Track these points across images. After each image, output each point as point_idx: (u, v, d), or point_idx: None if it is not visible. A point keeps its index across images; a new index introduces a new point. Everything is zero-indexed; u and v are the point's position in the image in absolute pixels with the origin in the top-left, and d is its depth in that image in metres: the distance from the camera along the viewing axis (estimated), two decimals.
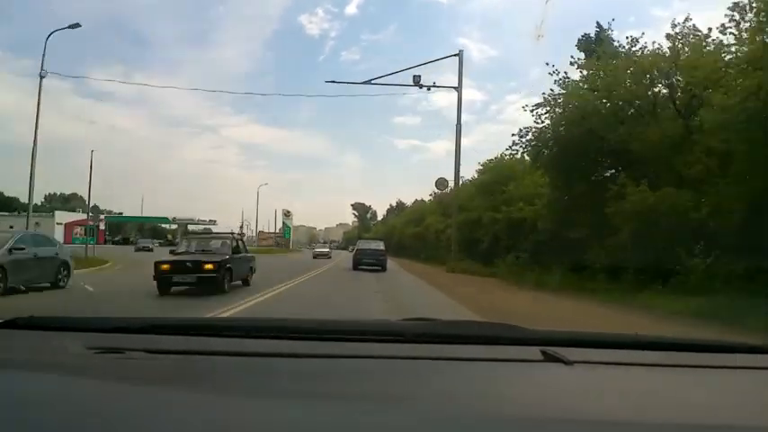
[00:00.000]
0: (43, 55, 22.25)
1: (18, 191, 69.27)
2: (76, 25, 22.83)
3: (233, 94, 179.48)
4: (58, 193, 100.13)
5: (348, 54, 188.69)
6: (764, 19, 11.67)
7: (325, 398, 0.98)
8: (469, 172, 38.81)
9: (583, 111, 16.46)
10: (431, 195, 52.70)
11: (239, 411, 0.87)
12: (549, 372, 1.24)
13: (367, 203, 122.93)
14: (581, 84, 17.44)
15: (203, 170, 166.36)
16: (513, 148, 19.17)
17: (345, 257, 48.05)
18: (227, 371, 1.20)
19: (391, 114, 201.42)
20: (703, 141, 13.24)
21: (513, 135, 19.03)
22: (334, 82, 28.83)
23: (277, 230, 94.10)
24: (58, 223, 64.28)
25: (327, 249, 51.42)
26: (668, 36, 15.87)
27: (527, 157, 20.25)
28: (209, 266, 11.91)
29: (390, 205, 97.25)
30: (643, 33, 17.57)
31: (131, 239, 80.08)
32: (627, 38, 18.16)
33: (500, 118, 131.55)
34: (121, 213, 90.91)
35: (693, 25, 15.62)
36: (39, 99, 22.65)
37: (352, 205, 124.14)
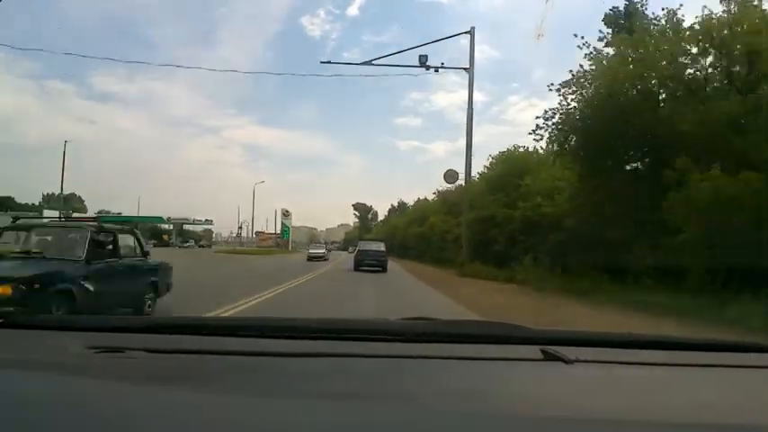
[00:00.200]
0: None
1: (13, 190, 67.60)
2: None
3: (234, 95, 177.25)
4: (56, 193, 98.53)
5: (350, 55, 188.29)
6: None
7: (326, 397, 0.98)
8: (473, 172, 37.22)
9: (618, 88, 14.01)
10: (434, 193, 50.60)
11: (239, 411, 0.87)
12: (550, 371, 1.24)
13: (368, 204, 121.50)
14: (614, 59, 14.92)
15: (205, 171, 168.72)
16: (536, 132, 16.63)
17: (345, 259, 45.46)
18: (227, 370, 1.19)
19: (393, 115, 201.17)
20: None
21: (537, 117, 16.56)
22: (329, 62, 26.51)
23: (277, 231, 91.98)
24: None
25: (323, 251, 43.89)
26: None
27: (551, 146, 17.35)
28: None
29: (392, 205, 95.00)
30: (681, 5, 14.72)
31: None
32: (663, 9, 15.79)
33: (502, 119, 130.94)
34: (120, 213, 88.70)
35: None
36: None
37: (353, 205, 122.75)
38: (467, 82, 25.80)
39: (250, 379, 1.12)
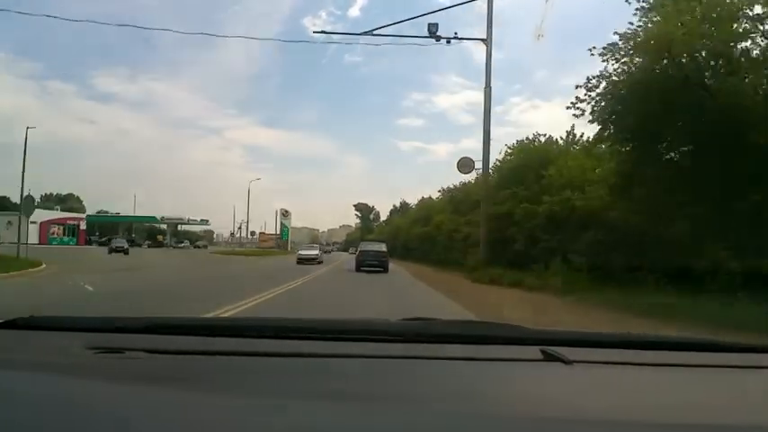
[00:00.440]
0: None
1: (12, 190, 65.57)
2: None
3: (237, 96, 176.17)
4: (54, 193, 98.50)
5: (351, 56, 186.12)
6: None
7: (326, 397, 0.98)
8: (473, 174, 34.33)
9: (681, 47, 11.09)
10: (440, 191, 47.67)
11: (239, 411, 0.87)
12: (549, 371, 1.24)
13: (370, 204, 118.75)
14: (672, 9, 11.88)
15: (206, 172, 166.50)
16: (576, 106, 13.60)
17: (345, 260, 42.65)
18: (227, 370, 1.19)
19: (395, 116, 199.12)
20: None
21: (577, 87, 13.55)
22: (324, 32, 23.92)
23: (278, 232, 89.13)
24: (31, 222, 58.66)
25: (316, 252, 36.45)
26: None
27: (594, 123, 14.09)
28: None
29: (394, 206, 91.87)
30: None
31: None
32: None
33: (505, 119, 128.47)
34: (118, 213, 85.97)
35: None
36: None
37: (354, 206, 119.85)
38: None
39: (250, 380, 1.12)
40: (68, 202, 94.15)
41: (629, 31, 12.34)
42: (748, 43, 11.31)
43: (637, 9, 12.37)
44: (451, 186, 41.52)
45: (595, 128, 14.23)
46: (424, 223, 45.79)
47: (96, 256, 34.65)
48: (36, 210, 62.98)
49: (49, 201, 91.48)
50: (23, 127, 26.97)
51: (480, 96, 23.11)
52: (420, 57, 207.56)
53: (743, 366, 1.31)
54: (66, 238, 62.62)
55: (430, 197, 54.96)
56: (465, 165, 24.34)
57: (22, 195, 23.81)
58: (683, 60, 11.16)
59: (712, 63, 11.39)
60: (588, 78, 13.06)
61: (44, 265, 20.87)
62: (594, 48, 12.96)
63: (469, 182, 37.58)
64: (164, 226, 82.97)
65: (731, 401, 1.09)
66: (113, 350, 1.22)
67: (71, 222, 65.88)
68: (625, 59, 12.46)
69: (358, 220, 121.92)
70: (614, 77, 12.54)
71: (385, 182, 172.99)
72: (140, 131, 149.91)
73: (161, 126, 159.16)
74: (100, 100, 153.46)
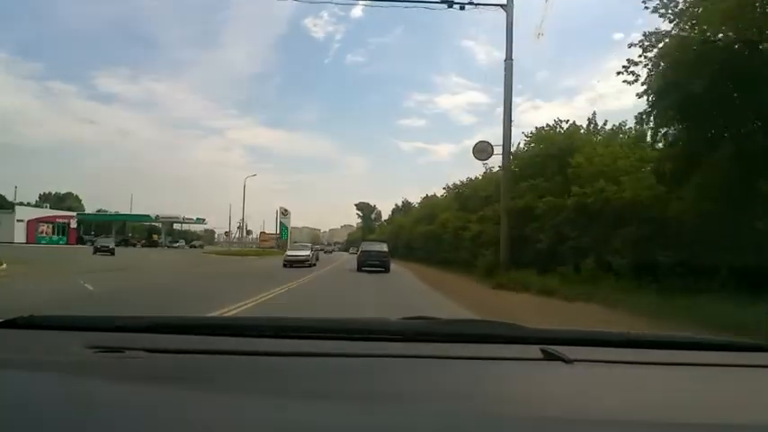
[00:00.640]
0: None
1: (11, 190, 63.97)
2: None
3: (237, 96, 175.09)
4: (53, 193, 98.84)
5: (353, 57, 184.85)
6: None
7: (326, 396, 0.98)
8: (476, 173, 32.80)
9: None
10: (444, 189, 45.31)
11: (239, 410, 0.86)
12: (549, 370, 1.24)
13: (372, 204, 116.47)
14: None
15: (207, 172, 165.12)
16: (629, 70, 11.17)
17: (344, 261, 40.49)
18: (227, 370, 1.19)
19: (396, 116, 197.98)
20: None
21: (630, 46, 11.23)
22: None
23: (277, 231, 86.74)
24: (18, 220, 56.35)
25: (306, 253, 30.45)
26: None
27: (647, 94, 11.46)
28: None
29: (396, 205, 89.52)
30: None
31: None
32: None
33: None
34: (118, 212, 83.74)
35: None
36: None
37: (356, 205, 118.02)
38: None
39: (250, 379, 1.12)
40: (67, 201, 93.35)
41: None
42: None
43: None
44: (458, 182, 39.13)
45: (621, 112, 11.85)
46: (429, 221, 43.50)
47: (77, 257, 32.24)
48: (24, 208, 61.28)
49: (48, 200, 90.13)
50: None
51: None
52: (421, 57, 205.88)
53: (744, 365, 1.30)
54: (55, 237, 60.23)
55: (435, 194, 52.73)
56: (482, 150, 20.90)
57: None
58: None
59: None
60: (645, 35, 10.61)
61: (4, 265, 18.74)
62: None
63: (477, 177, 35.48)
64: (163, 225, 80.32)
65: (732, 400, 1.08)
66: (113, 349, 1.22)
67: (61, 221, 63.29)
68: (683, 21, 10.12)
69: (359, 220, 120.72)
70: (681, 32, 10.11)
71: (387, 182, 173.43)
72: (141, 132, 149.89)
73: (162, 126, 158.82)
74: (100, 100, 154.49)
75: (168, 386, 1.00)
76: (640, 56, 10.84)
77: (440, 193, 49.11)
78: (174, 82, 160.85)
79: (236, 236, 78.57)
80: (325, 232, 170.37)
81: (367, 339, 1.40)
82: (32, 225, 57.32)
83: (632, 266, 12.44)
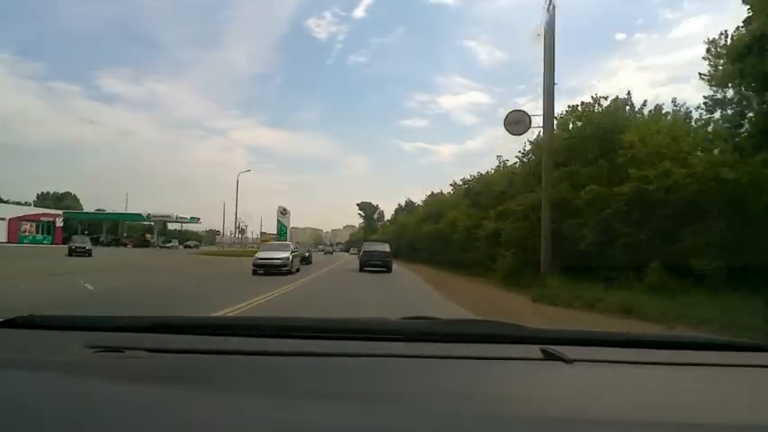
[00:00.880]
0: None
1: (11, 190, 61.53)
2: None
3: (240, 97, 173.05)
4: (51, 192, 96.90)
5: (355, 57, 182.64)
6: None
7: (327, 396, 0.97)
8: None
9: None
10: (451, 185, 42.13)
11: (239, 410, 0.86)
12: (549, 370, 1.23)
13: (374, 203, 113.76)
14: None
15: (208, 172, 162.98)
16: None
17: (344, 263, 37.52)
18: (227, 370, 1.17)
19: (398, 117, 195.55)
20: None
21: None
22: None
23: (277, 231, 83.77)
24: (0, 218, 53.12)
25: (285, 255, 21.24)
26: None
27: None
28: None
29: (399, 204, 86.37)
30: None
31: (101, 239, 69.14)
32: None
33: None
34: (108, 212, 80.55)
35: None
36: None
37: (358, 204, 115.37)
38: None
39: (250, 379, 1.11)
40: (65, 200, 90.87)
41: None
42: None
43: None
44: (468, 177, 35.90)
45: None
46: (435, 220, 40.33)
47: (45, 258, 29.04)
48: (6, 205, 58.03)
49: (46, 199, 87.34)
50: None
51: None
52: (423, 57, 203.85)
53: (743, 365, 1.29)
54: (39, 237, 56.90)
55: (441, 192, 49.47)
56: (517, 121, 16.13)
57: None
58: None
59: None
60: None
61: None
62: None
63: (489, 171, 32.30)
64: (156, 224, 76.95)
65: (732, 400, 1.07)
66: (113, 349, 1.21)
67: (45, 219, 59.85)
68: None
69: (362, 221, 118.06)
70: None
71: (389, 183, 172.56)
72: (143, 132, 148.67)
73: (164, 126, 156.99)
74: (103, 100, 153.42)
75: (168, 386, 0.99)
76: None
77: (445, 191, 46.34)
78: (176, 82, 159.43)
79: (238, 236, 75.54)
80: (327, 233, 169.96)
81: (367, 339, 1.39)
82: (14, 223, 53.90)
83: (728, 270, 9.20)
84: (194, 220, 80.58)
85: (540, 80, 15.28)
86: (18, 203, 57.93)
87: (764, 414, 0.99)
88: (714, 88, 15.65)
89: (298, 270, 22.23)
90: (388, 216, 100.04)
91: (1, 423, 0.76)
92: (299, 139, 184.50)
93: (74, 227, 73.54)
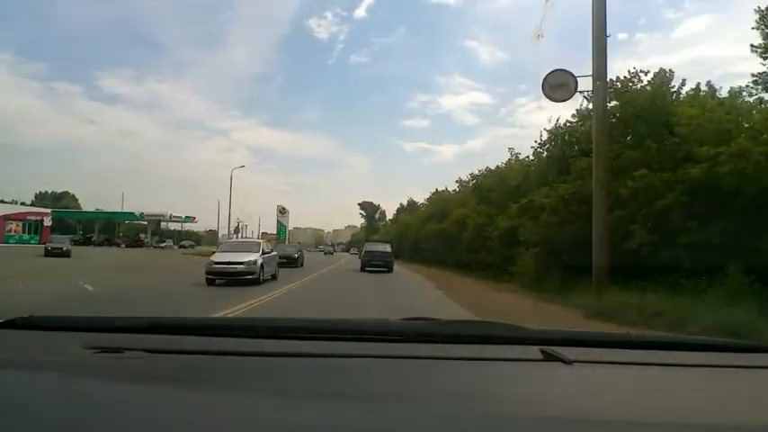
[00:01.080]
0: None
1: (11, 190, 59.59)
2: None
3: (241, 97, 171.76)
4: (50, 192, 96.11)
5: (356, 57, 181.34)
6: None
7: (326, 397, 0.97)
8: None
9: None
10: (457, 182, 39.77)
11: (239, 411, 0.86)
12: (549, 371, 1.22)
13: (376, 203, 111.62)
14: None
15: (209, 172, 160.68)
16: None
17: (344, 263, 35.30)
18: (226, 370, 1.17)
19: (400, 117, 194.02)
20: None
21: None
22: None
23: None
24: None
25: (250, 259, 15.48)
26: None
27: None
28: None
29: (401, 204, 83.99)
30: None
31: (93, 238, 66.87)
32: None
33: (510, 121, 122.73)
34: (98, 210, 78.30)
35: None
36: None
37: (359, 204, 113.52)
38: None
39: (250, 379, 1.10)
40: (63, 200, 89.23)
41: None
42: None
43: None
44: (477, 173, 33.47)
45: None
46: (440, 219, 38.00)
47: (15, 260, 26.67)
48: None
49: (45, 199, 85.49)
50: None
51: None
52: (424, 57, 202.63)
53: (743, 366, 1.28)
54: (26, 236, 54.31)
55: (446, 189, 47.02)
56: (560, 84, 12.37)
57: None
58: None
59: None
60: None
61: None
62: None
63: (499, 166, 29.83)
64: (149, 224, 74.58)
65: (731, 401, 1.07)
66: (113, 350, 1.20)
67: (32, 218, 57.24)
68: None
69: (363, 221, 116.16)
70: None
71: (390, 183, 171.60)
72: (144, 132, 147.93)
73: (165, 127, 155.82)
74: (104, 101, 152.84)
75: (168, 386, 0.99)
76: None
77: (449, 189, 43.93)
78: (178, 83, 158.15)
79: (234, 236, 73.29)
80: (329, 233, 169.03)
81: (367, 340, 1.39)
82: (0, 222, 51.60)
83: None
84: (189, 219, 78.22)
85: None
86: (2, 201, 55.31)
87: (763, 414, 0.98)
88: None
89: (274, 277, 16.99)
90: (389, 216, 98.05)
91: (1, 423, 0.76)
92: (300, 140, 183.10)
93: (72, 226, 71.34)
